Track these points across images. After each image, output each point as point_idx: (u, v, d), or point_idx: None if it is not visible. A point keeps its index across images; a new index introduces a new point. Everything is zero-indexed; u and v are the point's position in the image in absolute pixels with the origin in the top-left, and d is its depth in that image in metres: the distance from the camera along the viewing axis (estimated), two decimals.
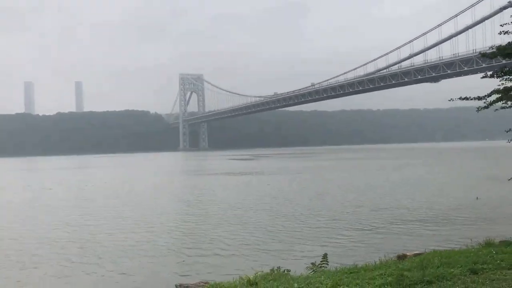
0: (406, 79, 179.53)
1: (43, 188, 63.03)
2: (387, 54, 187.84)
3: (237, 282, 11.41)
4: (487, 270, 10.22)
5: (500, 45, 17.30)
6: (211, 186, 59.18)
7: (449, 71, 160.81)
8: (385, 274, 10.16)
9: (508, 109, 18.04)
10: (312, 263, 14.98)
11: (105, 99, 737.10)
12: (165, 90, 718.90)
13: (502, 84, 17.55)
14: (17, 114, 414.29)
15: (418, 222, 28.34)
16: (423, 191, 45.03)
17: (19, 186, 69.98)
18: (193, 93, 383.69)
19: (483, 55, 18.34)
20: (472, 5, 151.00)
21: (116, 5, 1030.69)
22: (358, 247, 22.64)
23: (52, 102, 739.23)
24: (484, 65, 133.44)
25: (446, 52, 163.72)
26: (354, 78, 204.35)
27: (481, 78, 18.07)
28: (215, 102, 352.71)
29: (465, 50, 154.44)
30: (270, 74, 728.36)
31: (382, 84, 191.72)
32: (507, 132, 17.84)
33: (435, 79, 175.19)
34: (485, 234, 22.99)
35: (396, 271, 10.35)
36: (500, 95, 17.54)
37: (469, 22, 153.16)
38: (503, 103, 17.96)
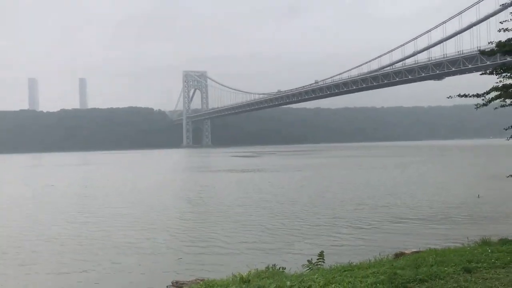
0: (409, 77, 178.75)
1: (45, 185, 63.16)
2: (390, 51, 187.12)
3: (230, 279, 11.37)
4: (481, 269, 10.14)
5: (500, 42, 17.11)
6: (212, 183, 59.22)
7: (453, 69, 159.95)
8: (378, 273, 10.09)
9: (509, 107, 17.91)
10: (309, 261, 14.92)
11: (109, 96, 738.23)
12: (168, 87, 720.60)
13: (500, 81, 17.40)
14: (21, 110, 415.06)
15: (419, 220, 28.27)
16: (424, 188, 44.90)
17: (21, 182, 70.17)
18: (197, 90, 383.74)
19: (482, 53, 18.20)
20: (477, 2, 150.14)
21: (120, 2, 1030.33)
22: (357, 245, 22.61)
23: (56, 99, 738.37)
24: (488, 63, 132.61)
25: (450, 49, 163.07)
26: (358, 76, 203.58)
27: (480, 75, 17.92)
28: (219, 99, 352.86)
29: (470, 47, 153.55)
30: (273, 72, 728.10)
31: (385, 81, 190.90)
32: (505, 130, 17.74)
33: (439, 77, 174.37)
34: (485, 232, 22.89)
35: (389, 269, 10.28)
36: (499, 93, 17.40)
37: (474, 19, 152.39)
38: (501, 101, 17.82)
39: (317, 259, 14.91)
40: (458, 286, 9.03)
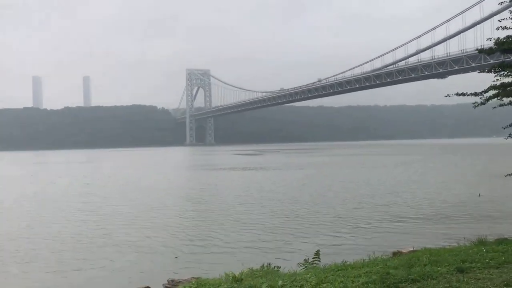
0: (413, 75, 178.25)
1: (46, 182, 63.34)
2: (394, 50, 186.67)
3: (223, 278, 11.34)
4: (475, 269, 10.06)
5: (498, 39, 16.98)
6: (214, 182, 59.24)
7: (456, 67, 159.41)
8: (371, 272, 10.04)
9: (500, 108, 17.79)
10: (305, 260, 14.92)
11: (112, 94, 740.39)
12: (172, 85, 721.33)
13: (497, 80, 17.27)
14: (25, 108, 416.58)
15: (419, 219, 28.19)
16: (425, 187, 44.77)
17: (23, 180, 70.33)
18: (200, 88, 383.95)
19: (480, 51, 18.04)
20: (480, 1, 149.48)
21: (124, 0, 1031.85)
22: (356, 244, 22.55)
23: (60, 96, 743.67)
24: (492, 61, 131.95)
25: (454, 48, 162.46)
26: (361, 74, 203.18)
27: (478, 73, 17.78)
28: (222, 97, 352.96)
29: (473, 46, 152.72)
30: (277, 70, 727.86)
31: (389, 80, 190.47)
32: (504, 128, 17.63)
33: (442, 75, 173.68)
34: (484, 231, 22.78)
35: (382, 269, 10.22)
36: (497, 91, 17.26)
37: (478, 18, 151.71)
38: (498, 99, 17.69)
39: (313, 258, 14.90)
40: (450, 286, 8.95)
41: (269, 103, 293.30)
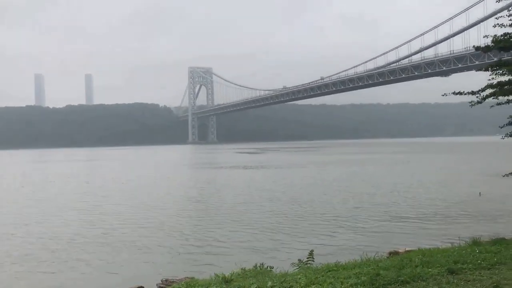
0: (416, 73, 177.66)
1: (45, 182, 63.43)
2: (397, 47, 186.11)
3: (213, 279, 11.24)
4: (466, 270, 9.92)
5: (495, 37, 16.80)
6: (215, 180, 59.18)
7: (460, 65, 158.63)
8: (361, 273, 9.91)
9: (504, 105, 17.64)
10: (299, 260, 14.82)
11: (114, 92, 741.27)
12: (174, 83, 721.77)
13: (493, 78, 17.11)
14: (27, 106, 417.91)
15: (418, 219, 28.01)
16: (426, 186, 44.55)
17: (22, 178, 70.44)
18: (202, 86, 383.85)
19: (477, 49, 17.88)
20: None
21: None
22: (354, 243, 22.38)
23: (62, 94, 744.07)
24: (495, 59, 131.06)
25: (458, 46, 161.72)
26: (364, 72, 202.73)
27: (476, 71, 17.60)
28: (224, 96, 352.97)
29: (477, 44, 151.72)
30: (279, 68, 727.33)
31: (392, 78, 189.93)
32: (501, 128, 17.46)
33: (445, 73, 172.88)
34: (483, 231, 22.69)
35: (373, 270, 10.09)
36: (493, 90, 17.09)
37: (481, 15, 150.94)
38: (494, 98, 17.52)
39: (307, 258, 14.80)
40: None
41: (271, 101, 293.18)
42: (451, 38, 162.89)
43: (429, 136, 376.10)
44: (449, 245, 15.65)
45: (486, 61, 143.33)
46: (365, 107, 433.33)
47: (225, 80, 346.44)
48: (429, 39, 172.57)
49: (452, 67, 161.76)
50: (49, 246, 23.20)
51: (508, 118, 17.29)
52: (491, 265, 10.27)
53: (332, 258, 17.77)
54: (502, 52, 17.33)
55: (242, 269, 13.00)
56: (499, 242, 13.51)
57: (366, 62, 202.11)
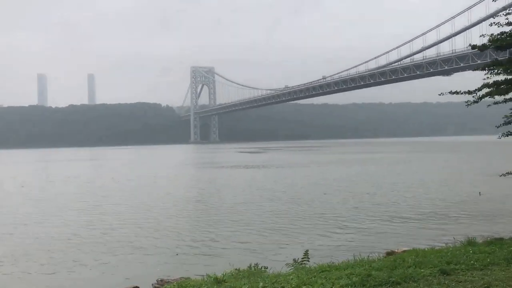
0: (418, 72, 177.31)
1: (46, 181, 63.56)
2: (399, 47, 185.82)
3: (206, 279, 11.22)
4: (458, 271, 9.87)
5: (492, 36, 16.75)
6: (215, 180, 59.20)
7: (462, 64, 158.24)
8: (353, 274, 9.87)
9: (501, 105, 17.59)
10: (294, 260, 14.81)
11: (117, 91, 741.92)
12: (177, 83, 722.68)
13: (488, 78, 17.06)
14: (30, 106, 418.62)
15: (418, 218, 27.90)
16: (426, 186, 44.46)
17: (22, 178, 70.58)
18: (204, 85, 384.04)
19: (473, 47, 17.83)
20: None
21: None
22: (352, 243, 22.29)
23: (64, 94, 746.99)
24: (498, 58, 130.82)
25: (460, 45, 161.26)
26: (366, 71, 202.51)
27: (473, 71, 17.54)
28: (226, 95, 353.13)
29: (479, 43, 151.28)
30: (281, 67, 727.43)
31: (393, 77, 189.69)
32: (497, 127, 17.42)
33: (447, 72, 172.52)
34: (480, 231, 22.64)
35: (365, 270, 10.05)
36: (490, 89, 17.03)
37: (483, 14, 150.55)
38: (490, 97, 17.48)
39: (302, 259, 14.78)
40: None
41: (273, 100, 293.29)
42: (453, 38, 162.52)
43: (431, 136, 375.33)
44: (444, 245, 15.58)
45: (488, 60, 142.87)
46: (367, 107, 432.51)
47: (227, 79, 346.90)
48: (431, 38, 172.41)
49: (454, 66, 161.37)
50: (46, 246, 23.17)
51: (503, 118, 17.25)
52: (484, 266, 10.22)
53: (329, 258, 17.72)
54: (499, 51, 17.23)
55: (236, 269, 12.97)
56: (493, 242, 13.47)
57: (368, 61, 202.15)
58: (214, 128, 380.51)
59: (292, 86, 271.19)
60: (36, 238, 25.26)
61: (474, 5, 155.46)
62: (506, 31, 16.37)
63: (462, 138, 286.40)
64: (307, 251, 14.92)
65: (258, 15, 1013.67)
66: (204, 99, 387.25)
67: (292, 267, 13.81)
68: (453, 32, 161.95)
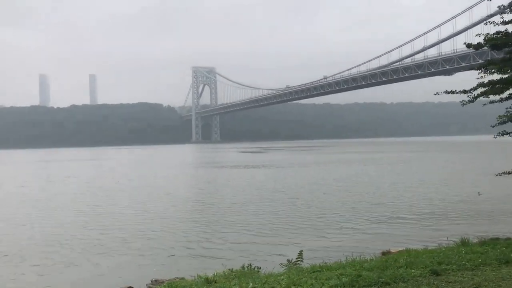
0: (419, 72, 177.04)
1: (46, 181, 63.62)
2: (400, 46, 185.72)
3: (197, 280, 11.19)
4: (449, 271, 9.83)
5: (487, 35, 16.70)
6: (215, 180, 59.28)
7: (463, 64, 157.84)
8: (344, 274, 9.84)
9: (497, 104, 17.53)
10: (288, 260, 14.77)
11: (118, 92, 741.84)
12: (178, 83, 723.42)
13: (482, 77, 17.01)
14: (31, 106, 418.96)
15: (415, 219, 27.80)
16: (427, 185, 44.36)
17: (22, 178, 70.71)
18: (206, 85, 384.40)
19: (468, 46, 17.76)
20: None
21: None
22: (349, 244, 22.22)
23: (66, 94, 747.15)
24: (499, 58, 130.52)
25: (461, 45, 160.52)
26: (367, 71, 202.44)
27: (468, 70, 17.49)
28: (227, 95, 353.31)
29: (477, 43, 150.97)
30: (283, 67, 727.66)
31: (395, 77, 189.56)
32: (492, 127, 17.37)
33: (448, 72, 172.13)
34: (477, 231, 22.56)
35: (356, 271, 10.02)
36: (485, 89, 16.98)
37: (484, 14, 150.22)
38: (484, 97, 17.43)
39: (296, 259, 14.74)
40: None
41: (275, 100, 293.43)
42: (455, 37, 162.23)
43: (433, 135, 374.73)
44: (437, 245, 15.53)
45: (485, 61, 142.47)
46: (368, 106, 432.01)
47: (229, 79, 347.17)
48: (432, 38, 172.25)
49: (456, 66, 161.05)
50: (41, 247, 23.12)
51: (497, 118, 17.22)
52: (475, 266, 10.17)
53: (326, 258, 17.68)
54: (499, 51, 17.19)
55: (229, 269, 12.95)
56: (487, 242, 13.41)
57: (369, 61, 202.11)
58: (215, 128, 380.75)
59: (294, 86, 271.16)
60: (31, 239, 25.22)
61: (475, 4, 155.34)
62: (501, 30, 16.31)
63: (464, 138, 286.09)
64: (301, 251, 14.89)
65: (258, 15, 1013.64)
66: (205, 99, 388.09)
67: (286, 268, 13.78)
68: (455, 31, 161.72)
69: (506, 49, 16.52)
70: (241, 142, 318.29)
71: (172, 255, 20.84)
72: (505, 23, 16.60)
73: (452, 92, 17.99)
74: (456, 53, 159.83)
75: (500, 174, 18.83)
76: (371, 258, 13.30)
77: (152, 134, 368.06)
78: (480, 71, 17.00)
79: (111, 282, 17.00)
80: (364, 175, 57.35)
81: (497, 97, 17.21)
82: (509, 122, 17.05)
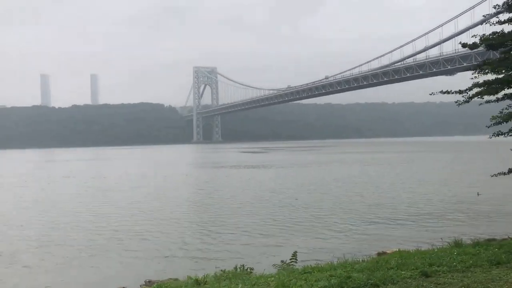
0: (421, 72, 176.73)
1: (46, 181, 63.64)
2: (402, 46, 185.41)
3: (187, 281, 11.13)
4: (439, 273, 9.76)
5: (483, 35, 16.61)
6: (215, 180, 59.22)
7: (465, 64, 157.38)
8: (334, 276, 9.79)
9: (497, 104, 17.44)
10: (282, 261, 14.73)
11: (120, 92, 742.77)
12: (179, 83, 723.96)
13: (475, 77, 16.92)
14: (33, 106, 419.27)
15: (413, 219, 27.73)
16: (426, 186, 44.31)
17: (20, 178, 70.73)
18: (207, 86, 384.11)
19: (464, 46, 17.66)
20: None
21: None
22: (345, 244, 22.18)
23: (67, 94, 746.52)
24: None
25: None
26: (369, 71, 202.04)
27: (462, 71, 17.38)
28: (229, 95, 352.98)
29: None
30: (284, 67, 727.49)
31: (396, 77, 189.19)
32: (488, 127, 17.29)
33: (450, 72, 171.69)
34: (475, 232, 22.50)
35: (346, 272, 9.95)
36: (480, 89, 16.89)
37: (487, 13, 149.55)
38: (479, 97, 17.34)
39: (290, 260, 14.70)
40: None
41: (276, 100, 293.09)
42: (456, 37, 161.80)
43: (434, 135, 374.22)
44: (430, 246, 15.45)
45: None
46: (369, 107, 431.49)
47: (230, 79, 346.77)
48: (433, 38, 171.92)
49: (457, 66, 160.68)
50: (35, 248, 23.09)
51: (490, 119, 17.15)
52: (466, 267, 10.09)
53: (320, 259, 17.65)
54: (489, 50, 17.08)
55: (222, 270, 12.89)
56: (480, 244, 13.34)
57: (370, 61, 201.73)
58: (216, 128, 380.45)
59: (295, 86, 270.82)
60: (26, 239, 25.17)
61: (477, 4, 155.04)
62: (497, 31, 16.21)
63: (465, 138, 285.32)
64: (295, 252, 14.85)
65: (259, 15, 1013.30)
66: (206, 99, 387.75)
67: (280, 268, 13.73)
68: (456, 31, 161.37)
69: (502, 49, 16.41)
70: (242, 143, 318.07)
71: (165, 256, 20.78)
72: (501, 23, 16.50)
73: (447, 92, 17.91)
74: (458, 53, 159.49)
75: (495, 175, 18.71)
76: (363, 259, 13.22)
77: (153, 134, 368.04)
78: (474, 71, 16.88)
79: (105, 283, 17.01)
80: (364, 175, 57.25)
81: (492, 97, 17.09)
82: (504, 122, 16.96)
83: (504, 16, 16.51)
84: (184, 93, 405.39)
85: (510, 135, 17.53)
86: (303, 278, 9.95)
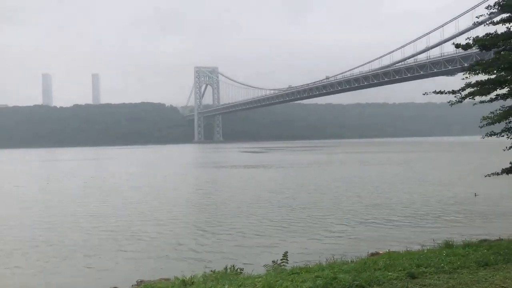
0: (422, 72, 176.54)
1: (45, 181, 63.70)
2: (403, 47, 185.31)
3: (175, 282, 11.12)
4: (426, 274, 9.73)
5: (477, 37, 16.60)
6: (215, 180, 59.28)
7: (466, 64, 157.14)
8: (320, 277, 9.76)
9: (493, 104, 17.42)
10: (273, 261, 14.69)
11: (121, 91, 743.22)
12: (180, 83, 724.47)
13: (466, 78, 16.89)
14: (35, 105, 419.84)
15: (410, 220, 27.66)
16: (425, 186, 44.30)
17: (20, 178, 70.84)
18: (208, 85, 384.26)
19: (457, 46, 17.64)
20: None
21: None
22: (342, 244, 22.18)
23: (69, 94, 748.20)
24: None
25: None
26: (369, 71, 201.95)
27: (454, 75, 17.33)
28: (230, 95, 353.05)
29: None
30: (284, 67, 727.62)
31: (397, 77, 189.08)
32: (480, 128, 17.28)
33: (451, 72, 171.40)
34: (470, 233, 22.46)
35: (332, 273, 9.92)
36: (473, 89, 16.86)
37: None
38: (470, 98, 17.31)
39: (281, 260, 14.66)
40: None
41: (277, 100, 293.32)
42: (457, 37, 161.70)
43: (435, 135, 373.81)
44: (420, 247, 15.41)
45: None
46: (370, 107, 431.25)
47: (231, 79, 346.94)
48: (434, 38, 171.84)
49: (458, 66, 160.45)
50: (29, 248, 23.08)
51: (481, 119, 17.14)
52: (454, 269, 10.06)
53: (314, 260, 17.56)
54: (482, 50, 17.06)
55: (211, 271, 12.87)
56: (470, 244, 13.29)
57: (371, 61, 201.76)
58: (217, 128, 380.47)
59: (296, 86, 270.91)
60: (20, 239, 25.17)
61: (478, 5, 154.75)
62: (491, 32, 16.19)
63: (465, 138, 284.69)
64: (286, 252, 14.80)
65: (259, 15, 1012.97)
66: (208, 99, 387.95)
67: (271, 268, 13.70)
68: (457, 32, 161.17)
69: (495, 49, 16.39)
70: (243, 142, 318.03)
71: (161, 257, 20.75)
72: (494, 23, 16.48)
73: (440, 92, 17.89)
74: (459, 54, 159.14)
75: (489, 175, 18.72)
76: (352, 260, 13.18)
77: (155, 134, 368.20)
78: (465, 72, 16.85)
79: (97, 283, 16.99)
80: (364, 176, 57.17)
81: (485, 98, 17.07)
82: (497, 123, 16.95)
83: (497, 18, 16.48)
84: (185, 93, 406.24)
85: (503, 136, 17.52)
86: (290, 279, 9.93)
